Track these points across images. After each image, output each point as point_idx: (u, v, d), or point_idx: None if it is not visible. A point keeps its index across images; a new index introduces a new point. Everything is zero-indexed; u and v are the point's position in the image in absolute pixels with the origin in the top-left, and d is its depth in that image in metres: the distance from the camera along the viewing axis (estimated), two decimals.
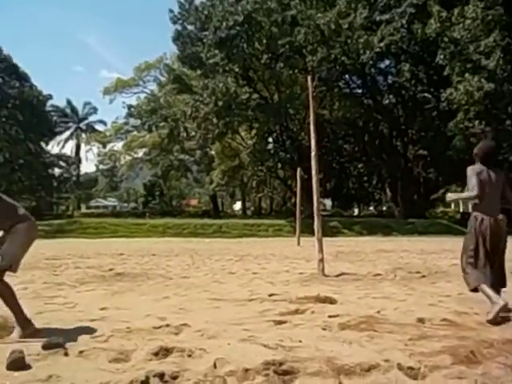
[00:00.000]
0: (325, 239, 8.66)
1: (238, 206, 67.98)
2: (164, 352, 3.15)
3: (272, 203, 60.00)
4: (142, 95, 55.17)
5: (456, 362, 2.98)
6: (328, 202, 51.30)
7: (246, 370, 2.78)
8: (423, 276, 7.60)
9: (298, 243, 15.96)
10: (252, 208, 63.80)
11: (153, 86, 55.28)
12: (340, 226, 29.85)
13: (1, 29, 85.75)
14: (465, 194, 4.52)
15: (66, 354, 3.15)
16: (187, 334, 3.71)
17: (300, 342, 3.43)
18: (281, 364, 2.85)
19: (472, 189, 4.30)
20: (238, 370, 2.78)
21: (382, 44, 28.82)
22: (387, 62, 35.32)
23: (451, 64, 25.91)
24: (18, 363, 2.87)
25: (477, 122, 26.59)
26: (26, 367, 2.88)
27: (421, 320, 4.20)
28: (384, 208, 50.38)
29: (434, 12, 26.48)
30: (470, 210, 4.58)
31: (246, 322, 4.11)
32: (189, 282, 7.22)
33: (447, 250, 14.48)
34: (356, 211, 54.55)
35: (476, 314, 4.51)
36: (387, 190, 38.60)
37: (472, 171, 4.38)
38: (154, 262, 10.67)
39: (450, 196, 4.92)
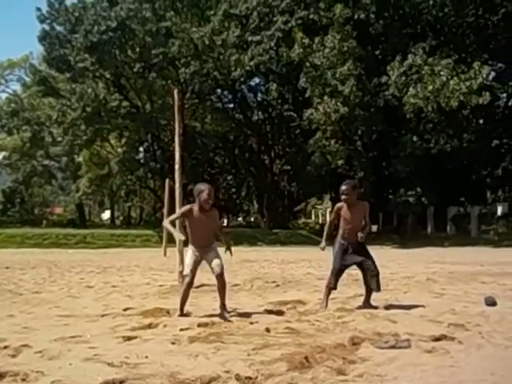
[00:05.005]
0: None
1: (106, 215, 65.02)
2: None
3: (142, 213, 58.53)
4: (3, 95, 50.75)
5: (291, 368, 3.07)
6: None
7: None
8: (278, 285, 8.02)
9: (165, 254, 15.80)
10: (121, 217, 61.61)
11: (16, 86, 51.17)
12: None
13: None
14: None
15: None
16: (26, 355, 3.48)
17: (146, 357, 3.38)
18: (121, 382, 2.79)
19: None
20: None
21: (251, 63, 30.14)
22: (257, 80, 37.09)
23: (312, 87, 27.98)
24: None
25: (333, 141, 29.07)
26: None
27: (267, 329, 4.31)
28: (252, 219, 52.07)
29: (298, 38, 28.43)
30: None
31: (94, 340, 3.99)
32: (40, 297, 6.79)
33: (305, 260, 15.47)
34: (225, 221, 55.64)
35: (317, 320, 4.79)
36: (254, 202, 40.17)
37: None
38: (6, 276, 9.82)
39: None
